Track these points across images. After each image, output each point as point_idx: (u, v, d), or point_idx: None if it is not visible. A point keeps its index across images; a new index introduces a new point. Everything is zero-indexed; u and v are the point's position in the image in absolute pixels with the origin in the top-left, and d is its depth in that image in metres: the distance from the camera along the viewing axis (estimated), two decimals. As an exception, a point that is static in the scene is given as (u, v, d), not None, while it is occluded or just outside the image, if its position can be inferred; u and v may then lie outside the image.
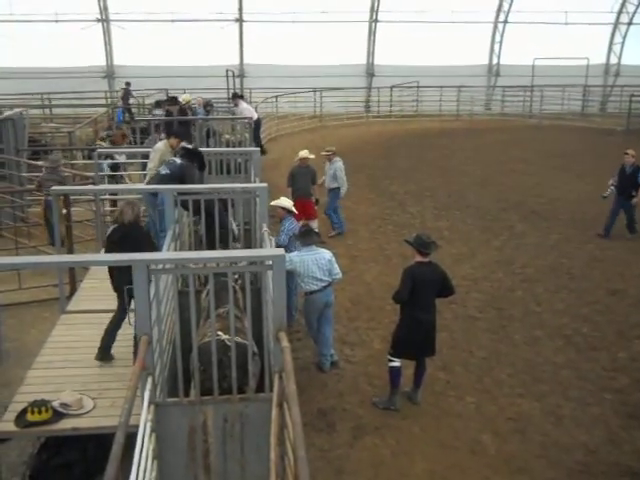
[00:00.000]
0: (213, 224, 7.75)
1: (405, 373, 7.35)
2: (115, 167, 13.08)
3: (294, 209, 9.14)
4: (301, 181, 12.33)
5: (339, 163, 13.07)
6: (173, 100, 18.17)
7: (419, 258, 7.02)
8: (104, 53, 30.05)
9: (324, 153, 13.29)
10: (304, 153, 12.69)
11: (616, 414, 7.06)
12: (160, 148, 9.56)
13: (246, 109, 18.84)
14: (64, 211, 9.16)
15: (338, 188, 12.99)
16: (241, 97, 19.95)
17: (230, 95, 25.44)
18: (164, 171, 8.46)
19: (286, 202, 9.15)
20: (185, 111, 17.24)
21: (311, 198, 12.37)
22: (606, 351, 8.48)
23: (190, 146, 9.59)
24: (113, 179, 12.95)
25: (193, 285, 4.71)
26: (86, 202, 11.92)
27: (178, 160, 8.64)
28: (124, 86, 22.93)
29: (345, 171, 13.14)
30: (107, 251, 6.73)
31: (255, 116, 18.53)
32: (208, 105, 19.47)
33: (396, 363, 7.16)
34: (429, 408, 7.08)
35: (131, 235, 6.69)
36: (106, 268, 6.87)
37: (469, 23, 31.63)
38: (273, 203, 9.41)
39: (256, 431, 4.75)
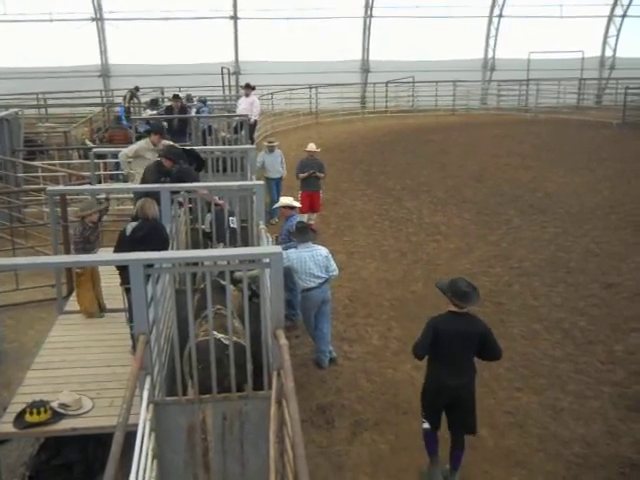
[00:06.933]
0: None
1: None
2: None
3: (295, 203, 9.19)
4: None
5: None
6: (176, 97, 17.77)
7: (452, 308, 5.60)
8: (99, 52, 30.04)
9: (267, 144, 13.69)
10: (312, 146, 12.90)
11: (614, 407, 7.08)
12: (140, 143, 9.73)
13: (254, 104, 17.69)
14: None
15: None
16: (253, 88, 18.07)
17: (225, 92, 25.48)
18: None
19: (285, 200, 9.16)
20: (186, 108, 16.96)
21: (319, 191, 12.67)
22: (603, 344, 8.50)
23: (187, 146, 9.62)
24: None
25: (190, 284, 4.70)
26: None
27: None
28: (132, 89, 22.24)
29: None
30: (128, 249, 5.70)
31: (254, 117, 17.55)
32: (202, 102, 19.28)
33: (426, 425, 5.85)
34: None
35: (157, 231, 6.57)
36: (104, 268, 6.85)
37: (464, 17, 31.68)
38: (275, 206, 9.47)
39: (255, 429, 4.77)
